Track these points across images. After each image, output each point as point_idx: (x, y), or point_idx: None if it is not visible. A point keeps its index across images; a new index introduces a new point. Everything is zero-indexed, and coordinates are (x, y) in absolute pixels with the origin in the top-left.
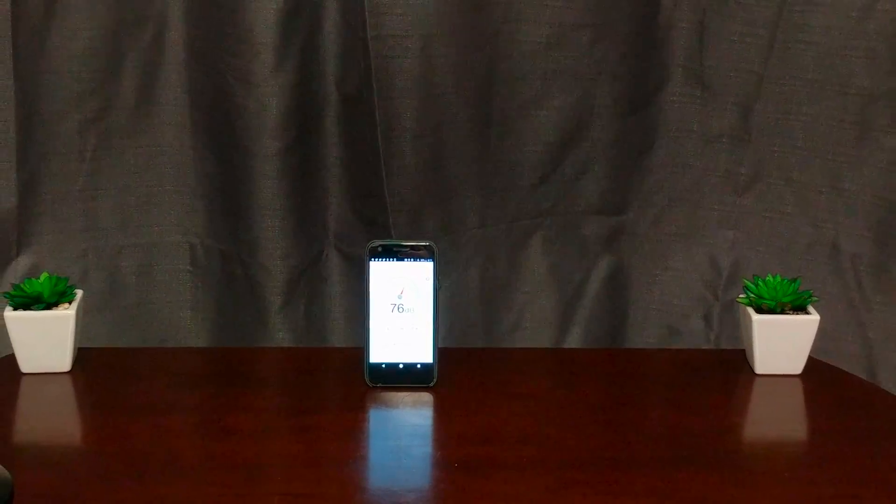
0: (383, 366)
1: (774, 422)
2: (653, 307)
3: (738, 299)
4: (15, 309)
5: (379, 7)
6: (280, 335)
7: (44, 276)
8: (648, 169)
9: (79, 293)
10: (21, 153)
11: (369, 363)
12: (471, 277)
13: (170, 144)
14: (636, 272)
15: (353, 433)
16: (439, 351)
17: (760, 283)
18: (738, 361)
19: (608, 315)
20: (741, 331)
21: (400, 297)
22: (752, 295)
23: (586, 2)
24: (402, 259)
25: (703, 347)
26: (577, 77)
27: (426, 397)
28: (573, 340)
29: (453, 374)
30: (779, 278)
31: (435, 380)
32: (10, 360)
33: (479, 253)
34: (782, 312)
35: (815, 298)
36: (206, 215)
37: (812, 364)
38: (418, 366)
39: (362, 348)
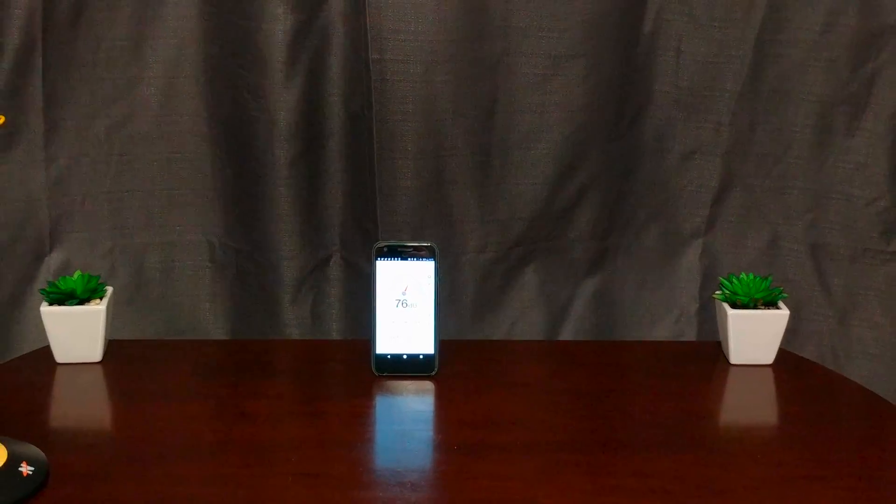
0: (388, 356)
1: (747, 408)
2: (634, 321)
3: (714, 295)
4: (50, 304)
5: (382, 31)
6: (288, 329)
7: (77, 274)
8: (630, 189)
9: (109, 290)
10: (50, 155)
11: (375, 354)
12: (466, 295)
13: (190, 151)
14: (618, 287)
15: (360, 418)
16: (440, 343)
17: (735, 280)
18: (714, 352)
19: (593, 329)
20: (717, 324)
21: (404, 294)
22: (728, 291)
23: (578, 33)
24: (405, 258)
25: (682, 339)
26: (572, 108)
27: (428, 385)
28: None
29: (453, 364)
30: (752, 276)
31: (436, 369)
32: (46, 351)
33: (476, 277)
34: (755, 307)
35: (786, 295)
36: (223, 216)
37: (782, 355)
38: (421, 356)
39: (368, 340)
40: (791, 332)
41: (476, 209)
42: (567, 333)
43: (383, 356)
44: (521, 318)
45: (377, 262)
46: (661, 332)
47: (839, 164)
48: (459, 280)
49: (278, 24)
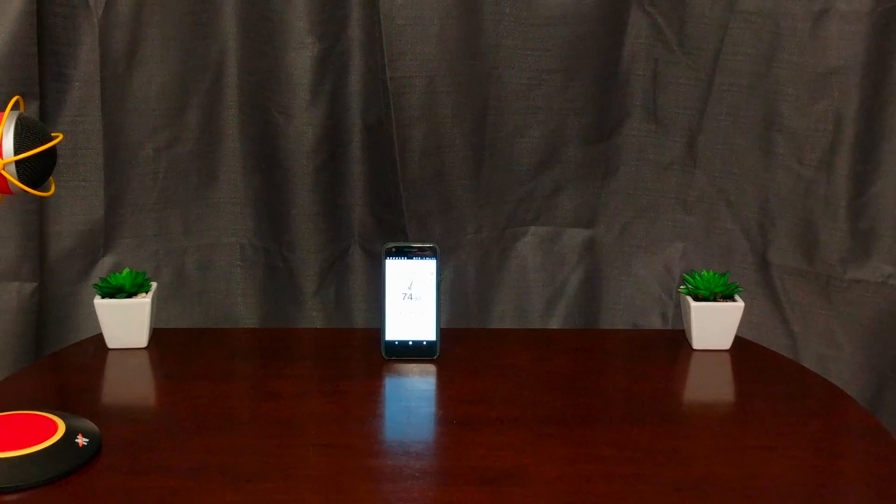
0: (396, 343)
1: (707, 387)
2: (619, 306)
3: (679, 290)
4: (103, 297)
5: (395, 55)
6: (314, 314)
7: (126, 271)
8: (615, 191)
9: (154, 284)
10: (107, 175)
11: (385, 341)
12: (468, 274)
13: (223, 165)
14: (605, 277)
15: (372, 396)
16: (441, 331)
17: (697, 276)
18: (679, 339)
19: (582, 312)
20: (682, 314)
21: (409, 288)
22: (691, 286)
23: (559, 51)
24: (411, 258)
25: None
26: (552, 112)
27: (430, 368)
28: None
29: (453, 349)
30: (712, 273)
31: (438, 354)
32: (99, 338)
33: (476, 254)
34: (714, 300)
35: (741, 289)
36: (253, 221)
37: (738, 341)
38: (424, 343)
39: (379, 329)
40: (754, 333)
41: (473, 196)
42: (558, 310)
43: (391, 342)
44: (516, 292)
45: (386, 260)
46: (639, 320)
47: (801, 192)
48: (462, 256)
49: (306, 51)
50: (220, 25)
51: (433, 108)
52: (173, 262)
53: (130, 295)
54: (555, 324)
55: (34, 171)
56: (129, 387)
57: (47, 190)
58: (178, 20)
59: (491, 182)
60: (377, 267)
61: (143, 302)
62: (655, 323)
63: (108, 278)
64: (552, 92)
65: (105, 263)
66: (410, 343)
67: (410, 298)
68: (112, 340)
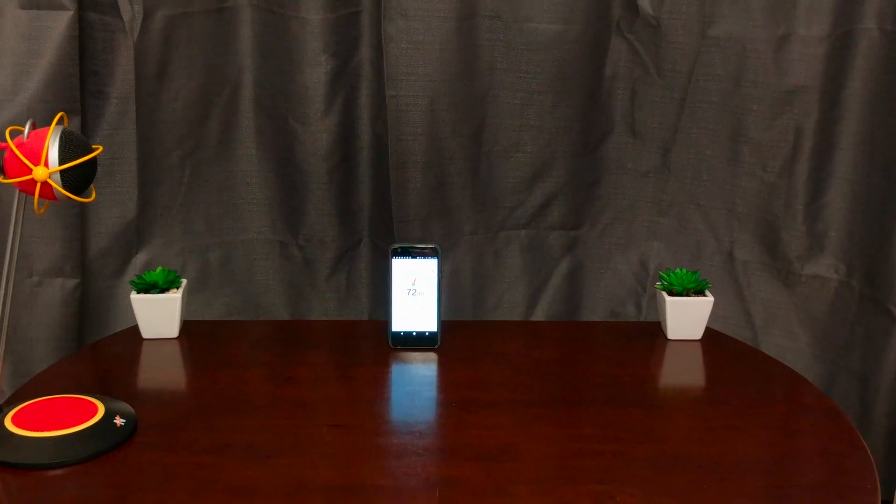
0: (401, 333)
1: (681, 373)
2: (599, 297)
3: (655, 286)
4: (138, 293)
5: (400, 75)
6: (328, 295)
7: (159, 269)
8: (597, 196)
9: (184, 281)
10: (140, 180)
11: (391, 331)
12: (464, 271)
13: (242, 171)
14: (587, 271)
15: (380, 381)
16: (442, 323)
17: (671, 274)
18: (655, 330)
19: (566, 302)
20: (657, 308)
21: (413, 285)
22: (665, 282)
23: (548, 74)
24: (415, 257)
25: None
26: (543, 130)
27: (432, 356)
28: (538, 319)
29: (452, 339)
30: (684, 271)
31: (439, 343)
32: (134, 329)
33: (471, 254)
34: (686, 295)
35: (710, 285)
36: (269, 219)
37: (708, 332)
38: (427, 333)
39: (386, 321)
40: (721, 324)
41: (469, 202)
42: (544, 302)
43: (398, 333)
44: (508, 286)
45: (392, 259)
46: (617, 308)
47: (764, 196)
48: (459, 256)
49: (320, 68)
50: (238, 46)
51: (434, 124)
52: (198, 258)
53: (163, 290)
54: (542, 313)
55: (77, 179)
56: (162, 373)
57: (88, 196)
58: (202, 42)
59: (486, 191)
60: (383, 258)
61: (175, 297)
62: (630, 312)
63: (143, 276)
64: (542, 111)
65: (138, 260)
66: (414, 333)
67: (414, 294)
68: (146, 331)
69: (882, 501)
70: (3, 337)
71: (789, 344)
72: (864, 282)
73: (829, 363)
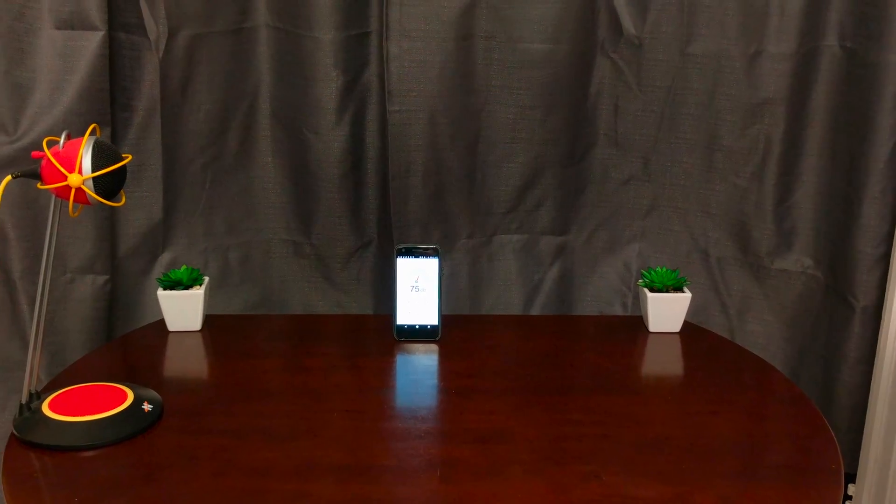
0: (405, 326)
1: (661, 363)
2: (588, 299)
3: (637, 283)
4: (164, 289)
5: (403, 91)
6: (338, 291)
7: (183, 267)
8: (584, 204)
9: (206, 279)
10: (165, 185)
11: (396, 324)
12: (462, 273)
13: (259, 177)
14: (576, 275)
15: (385, 370)
16: (442, 317)
17: (652, 272)
18: (638, 324)
19: (557, 305)
20: (640, 303)
21: (416, 282)
22: (647, 280)
23: (538, 91)
24: (417, 256)
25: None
26: (533, 142)
27: (433, 347)
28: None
29: (452, 332)
30: (664, 269)
31: (439, 336)
32: (161, 322)
33: (468, 257)
34: (666, 291)
35: (689, 282)
36: (284, 221)
37: (687, 325)
38: (428, 326)
39: (391, 315)
40: (699, 324)
41: (466, 209)
42: (537, 305)
43: (402, 326)
44: (503, 287)
45: (397, 259)
46: (604, 308)
47: (737, 199)
48: (457, 259)
49: (333, 83)
50: (256, 63)
51: (434, 136)
52: (219, 258)
53: (187, 287)
54: (534, 312)
55: (108, 185)
56: (186, 363)
57: (118, 201)
58: (222, 60)
59: (481, 198)
60: (389, 255)
61: (198, 293)
62: (617, 310)
63: (169, 274)
64: (533, 125)
65: (163, 259)
66: (417, 327)
67: (417, 290)
68: (172, 325)
69: (845, 473)
70: (41, 329)
71: (762, 330)
72: (827, 275)
73: (798, 347)
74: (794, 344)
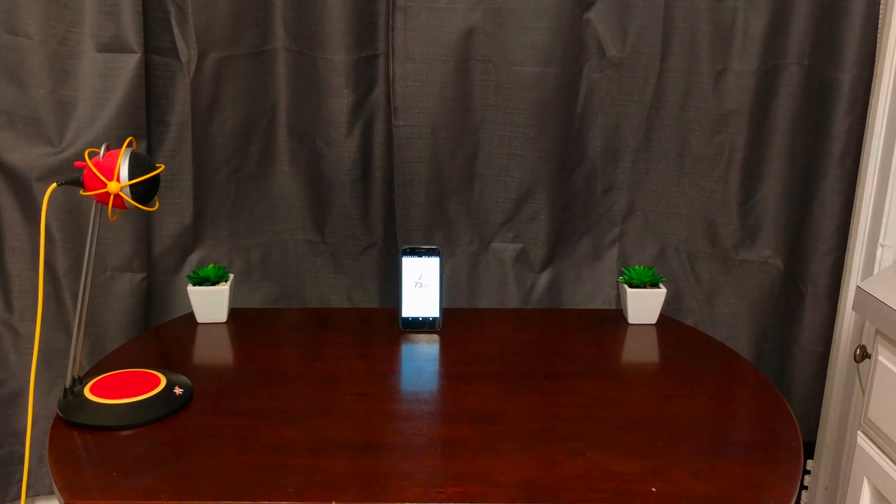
0: (410, 318)
1: (639, 351)
2: (577, 302)
3: (618, 280)
4: (194, 285)
5: (406, 108)
6: (349, 286)
7: (211, 265)
8: (571, 216)
9: (231, 275)
10: (195, 192)
11: (401, 316)
12: (461, 276)
13: (278, 184)
14: (565, 280)
15: (392, 358)
16: (443, 310)
17: (631, 270)
18: (619, 317)
19: (546, 306)
20: (620, 297)
21: (420, 278)
22: (626, 276)
23: (531, 110)
24: (420, 255)
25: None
26: (527, 159)
27: (435, 337)
28: None
29: (452, 323)
30: (642, 267)
31: (440, 327)
32: (190, 315)
33: (467, 261)
34: (643, 287)
35: (664, 280)
36: (300, 223)
37: (662, 318)
38: (431, 318)
39: (397, 308)
40: (675, 310)
41: (465, 217)
42: (530, 302)
43: (406, 318)
44: (498, 290)
45: (402, 257)
46: (590, 305)
47: (706, 200)
48: (457, 264)
49: (344, 100)
50: (275, 82)
51: (435, 150)
52: (242, 257)
53: (214, 283)
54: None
55: (143, 192)
56: (213, 351)
57: (153, 206)
58: (245, 79)
59: (479, 209)
60: (395, 254)
61: (224, 289)
62: (600, 306)
63: (198, 271)
64: (526, 142)
65: (193, 258)
66: (420, 319)
67: (420, 286)
68: (201, 317)
69: (804, 442)
70: (83, 321)
71: (729, 311)
72: (786, 265)
73: (760, 327)
74: (757, 324)
